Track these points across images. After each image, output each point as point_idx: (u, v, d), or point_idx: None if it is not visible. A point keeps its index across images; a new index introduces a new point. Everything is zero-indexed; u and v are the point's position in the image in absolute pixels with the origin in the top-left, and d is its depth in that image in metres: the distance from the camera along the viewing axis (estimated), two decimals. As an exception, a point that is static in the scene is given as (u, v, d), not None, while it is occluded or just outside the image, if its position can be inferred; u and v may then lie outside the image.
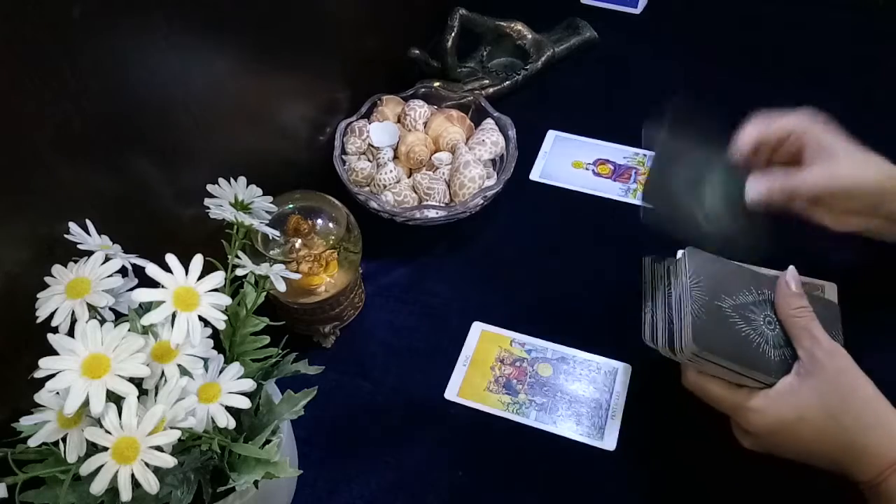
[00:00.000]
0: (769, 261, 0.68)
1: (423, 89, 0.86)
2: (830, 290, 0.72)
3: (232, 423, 0.44)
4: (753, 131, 0.66)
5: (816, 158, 0.63)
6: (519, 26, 0.95)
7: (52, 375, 0.39)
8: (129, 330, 0.41)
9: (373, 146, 0.80)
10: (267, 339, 0.52)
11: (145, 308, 0.44)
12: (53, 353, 0.39)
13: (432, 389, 0.68)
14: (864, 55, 0.97)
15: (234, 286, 0.50)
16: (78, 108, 0.48)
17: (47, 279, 0.44)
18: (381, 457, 0.64)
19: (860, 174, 0.63)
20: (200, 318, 0.42)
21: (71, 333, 0.41)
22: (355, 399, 0.68)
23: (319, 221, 0.68)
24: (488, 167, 0.80)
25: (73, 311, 0.43)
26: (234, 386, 0.45)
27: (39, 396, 0.41)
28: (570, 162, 0.87)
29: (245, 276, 0.49)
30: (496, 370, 0.69)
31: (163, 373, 0.42)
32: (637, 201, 0.82)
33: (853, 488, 0.54)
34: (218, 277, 0.44)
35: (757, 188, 0.64)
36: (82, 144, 0.49)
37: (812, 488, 0.59)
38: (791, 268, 0.61)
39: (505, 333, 0.72)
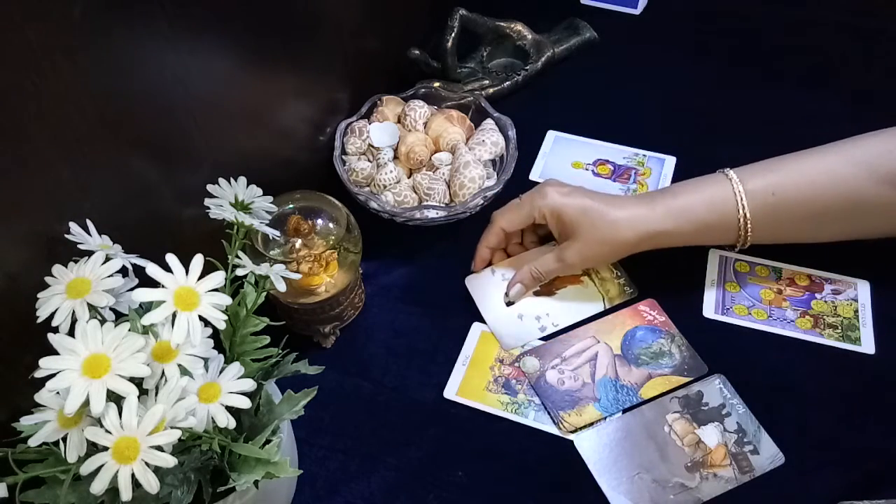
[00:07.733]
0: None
1: (423, 90, 0.86)
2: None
3: (232, 423, 0.44)
4: (486, 253, 0.74)
5: (565, 237, 0.70)
6: (519, 27, 0.95)
7: (53, 375, 0.39)
8: (129, 330, 0.41)
9: (373, 146, 0.80)
10: (267, 339, 0.52)
11: (145, 308, 0.44)
12: (54, 352, 0.39)
13: (432, 389, 0.68)
14: (863, 55, 0.97)
15: (235, 286, 0.50)
16: (78, 108, 0.48)
17: (47, 279, 0.44)
18: (381, 457, 0.64)
19: (597, 253, 0.69)
20: (201, 318, 0.42)
21: (71, 333, 0.41)
22: (355, 399, 0.68)
23: (319, 221, 0.68)
24: (488, 167, 0.80)
25: (74, 311, 0.43)
26: (234, 386, 0.45)
27: (40, 396, 0.41)
28: (569, 162, 0.87)
29: (245, 276, 0.49)
30: (495, 370, 0.69)
31: (163, 372, 0.42)
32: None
33: None
34: (218, 277, 0.44)
35: (512, 290, 0.72)
36: (82, 144, 0.49)
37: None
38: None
39: (505, 333, 0.72)
